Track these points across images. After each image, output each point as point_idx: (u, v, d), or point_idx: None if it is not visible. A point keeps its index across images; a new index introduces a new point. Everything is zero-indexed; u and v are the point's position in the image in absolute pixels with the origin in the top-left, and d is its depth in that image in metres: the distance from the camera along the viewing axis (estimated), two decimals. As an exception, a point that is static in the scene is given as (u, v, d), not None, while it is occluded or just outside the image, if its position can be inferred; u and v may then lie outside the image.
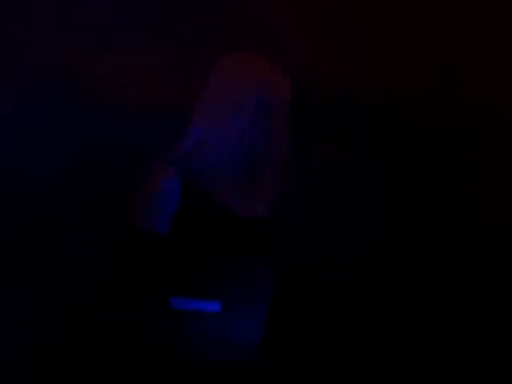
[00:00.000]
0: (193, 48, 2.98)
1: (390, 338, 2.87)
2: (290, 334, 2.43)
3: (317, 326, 2.67)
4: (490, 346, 2.90)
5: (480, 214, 3.03)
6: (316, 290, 2.87)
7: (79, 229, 2.49)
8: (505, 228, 3.01)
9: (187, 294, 1.95)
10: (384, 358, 2.83)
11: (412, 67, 3.12)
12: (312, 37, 3.09)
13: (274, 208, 2.39)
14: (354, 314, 2.91)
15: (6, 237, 2.56)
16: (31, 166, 2.82)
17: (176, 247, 1.98)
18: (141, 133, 2.92)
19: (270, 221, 2.28)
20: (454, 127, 3.09)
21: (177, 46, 3.01)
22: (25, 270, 2.40)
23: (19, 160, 2.82)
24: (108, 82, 2.99)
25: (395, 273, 3.02)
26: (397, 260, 3.03)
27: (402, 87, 3.11)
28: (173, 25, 3.02)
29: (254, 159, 2.21)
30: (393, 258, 3.03)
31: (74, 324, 1.91)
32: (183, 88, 2.73)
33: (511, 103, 3.07)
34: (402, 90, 3.12)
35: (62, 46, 2.96)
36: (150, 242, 1.95)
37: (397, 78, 3.11)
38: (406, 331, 2.91)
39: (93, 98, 2.96)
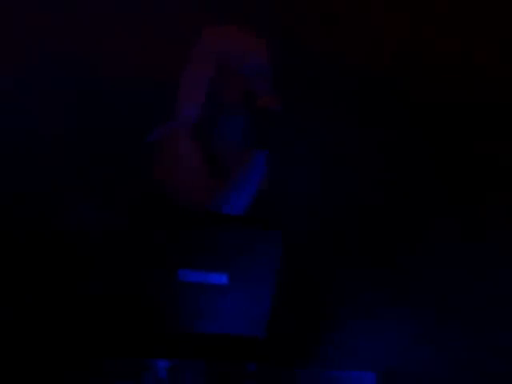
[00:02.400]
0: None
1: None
2: (297, 307, 2.41)
3: (324, 298, 2.66)
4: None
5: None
6: (323, 261, 2.86)
7: (84, 201, 2.48)
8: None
9: (195, 266, 1.92)
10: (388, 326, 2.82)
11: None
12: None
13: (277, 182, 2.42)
14: (355, 284, 2.89)
15: (7, 210, 2.54)
16: (31, 137, 2.79)
17: (183, 219, 1.96)
18: (140, 104, 2.90)
19: (276, 195, 2.32)
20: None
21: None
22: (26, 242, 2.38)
23: (19, 132, 2.79)
24: (106, 53, 2.96)
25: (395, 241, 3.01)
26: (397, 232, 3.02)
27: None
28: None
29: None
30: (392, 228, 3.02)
31: (81, 297, 1.88)
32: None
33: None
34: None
35: (60, 16, 2.93)
36: (164, 213, 1.93)
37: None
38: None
39: (93, 70, 2.93)
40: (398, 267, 2.95)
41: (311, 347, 2.18)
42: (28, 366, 1.80)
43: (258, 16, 2.93)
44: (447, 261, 2.96)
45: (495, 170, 3.03)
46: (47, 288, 2.03)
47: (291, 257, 2.17)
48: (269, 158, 2.41)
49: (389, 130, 3.04)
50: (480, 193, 3.00)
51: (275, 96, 2.40)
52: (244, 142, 2.44)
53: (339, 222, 2.97)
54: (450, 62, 3.08)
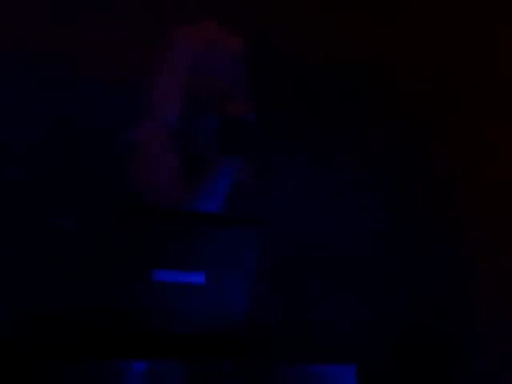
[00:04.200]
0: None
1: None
2: (276, 304, 2.41)
3: (301, 290, 2.67)
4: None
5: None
6: (301, 259, 2.86)
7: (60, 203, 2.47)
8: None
9: (171, 265, 1.91)
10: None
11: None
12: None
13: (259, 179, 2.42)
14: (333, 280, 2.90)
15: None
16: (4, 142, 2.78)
17: (159, 219, 1.95)
18: (111, 105, 2.89)
19: (256, 193, 2.33)
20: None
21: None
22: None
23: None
24: (78, 54, 2.94)
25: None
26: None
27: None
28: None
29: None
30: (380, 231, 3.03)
31: (58, 298, 1.87)
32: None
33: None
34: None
35: (33, 17, 2.91)
36: (138, 213, 1.92)
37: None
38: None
39: (64, 71, 2.91)
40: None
41: (290, 343, 2.17)
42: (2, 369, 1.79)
43: (233, 17, 2.93)
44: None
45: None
46: (20, 290, 2.01)
47: (268, 254, 2.17)
48: (241, 162, 2.41)
49: (359, 130, 3.05)
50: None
51: (249, 102, 2.40)
52: (217, 144, 2.43)
53: (315, 222, 2.98)
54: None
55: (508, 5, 2.91)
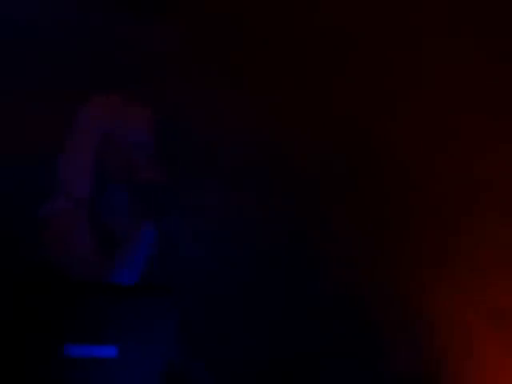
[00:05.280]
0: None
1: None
2: (192, 375, 2.39)
3: (221, 365, 2.65)
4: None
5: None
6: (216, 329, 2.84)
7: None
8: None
9: (82, 340, 1.87)
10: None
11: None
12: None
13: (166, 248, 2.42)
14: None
15: None
16: None
17: (70, 291, 1.92)
18: (23, 182, 2.87)
19: (165, 261, 2.33)
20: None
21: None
22: None
23: None
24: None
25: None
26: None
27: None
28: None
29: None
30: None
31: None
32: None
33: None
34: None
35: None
36: (46, 285, 1.89)
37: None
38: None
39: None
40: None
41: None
42: None
43: (141, 87, 2.95)
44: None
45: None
46: None
47: (187, 321, 2.16)
48: (155, 226, 2.42)
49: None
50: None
51: (159, 168, 2.42)
52: (131, 213, 2.44)
53: (234, 282, 2.98)
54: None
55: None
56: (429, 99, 3.08)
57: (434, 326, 3.01)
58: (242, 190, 3.10)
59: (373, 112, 3.10)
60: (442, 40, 3.07)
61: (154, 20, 3.07)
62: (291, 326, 3.07)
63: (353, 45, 3.13)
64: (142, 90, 2.74)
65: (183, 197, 2.69)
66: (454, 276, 3.02)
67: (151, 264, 2.45)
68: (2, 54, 2.96)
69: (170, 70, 3.07)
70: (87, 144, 2.44)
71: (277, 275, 3.10)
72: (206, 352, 2.64)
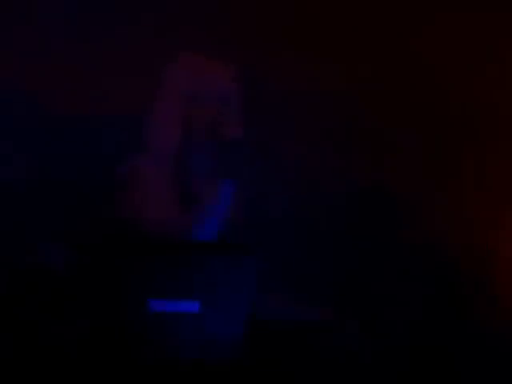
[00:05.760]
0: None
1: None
2: (272, 330, 2.42)
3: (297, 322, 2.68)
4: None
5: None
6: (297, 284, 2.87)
7: (52, 238, 2.50)
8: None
9: (166, 295, 1.93)
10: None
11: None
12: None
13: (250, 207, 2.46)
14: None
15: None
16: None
17: (154, 249, 1.97)
18: (109, 140, 2.91)
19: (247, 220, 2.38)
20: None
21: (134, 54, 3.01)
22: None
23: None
24: (67, 90, 2.97)
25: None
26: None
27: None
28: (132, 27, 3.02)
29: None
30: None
31: (55, 333, 1.89)
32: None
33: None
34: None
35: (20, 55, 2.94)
36: (131, 245, 1.94)
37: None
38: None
39: (54, 109, 2.94)
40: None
41: (287, 370, 2.19)
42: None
43: (223, 45, 2.96)
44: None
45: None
46: (23, 326, 2.03)
47: (266, 280, 2.19)
48: (234, 185, 2.46)
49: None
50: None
51: (240, 125, 2.45)
52: (211, 171, 2.48)
53: (313, 245, 3.00)
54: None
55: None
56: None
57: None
58: (320, 139, 3.11)
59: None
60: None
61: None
62: (370, 273, 3.07)
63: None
64: (226, 48, 2.76)
65: (262, 151, 2.72)
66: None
67: (231, 220, 2.49)
68: (89, 16, 3.00)
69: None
70: (173, 102, 2.48)
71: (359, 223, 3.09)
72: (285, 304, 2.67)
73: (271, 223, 2.89)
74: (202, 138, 2.47)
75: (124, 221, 2.39)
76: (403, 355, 2.69)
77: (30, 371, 1.91)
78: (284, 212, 3.01)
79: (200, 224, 2.44)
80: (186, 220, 2.44)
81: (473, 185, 3.09)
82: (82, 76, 2.96)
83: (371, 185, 3.14)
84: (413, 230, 3.08)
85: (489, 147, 3.09)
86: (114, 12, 3.00)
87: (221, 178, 2.47)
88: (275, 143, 3.03)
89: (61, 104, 2.96)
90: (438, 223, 3.10)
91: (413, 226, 3.09)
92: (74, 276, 1.92)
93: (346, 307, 2.73)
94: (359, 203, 3.11)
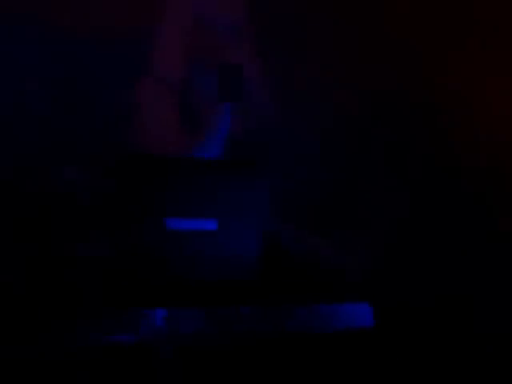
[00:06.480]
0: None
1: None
2: (289, 251, 2.44)
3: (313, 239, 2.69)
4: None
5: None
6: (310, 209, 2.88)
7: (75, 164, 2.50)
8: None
9: (183, 213, 1.94)
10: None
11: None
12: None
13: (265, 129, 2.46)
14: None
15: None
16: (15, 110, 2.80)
17: (170, 167, 1.98)
18: (112, 63, 2.90)
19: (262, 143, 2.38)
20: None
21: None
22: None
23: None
24: (77, 13, 2.94)
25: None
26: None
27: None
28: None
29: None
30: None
31: (75, 252, 1.91)
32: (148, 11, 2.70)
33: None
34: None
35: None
36: (146, 162, 1.94)
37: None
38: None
39: (63, 31, 2.92)
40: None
41: (303, 286, 2.21)
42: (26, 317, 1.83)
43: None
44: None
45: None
46: (42, 248, 2.05)
47: (278, 201, 2.20)
48: (234, 108, 2.47)
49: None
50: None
51: (247, 50, 2.44)
52: (213, 94, 2.49)
53: (324, 170, 3.00)
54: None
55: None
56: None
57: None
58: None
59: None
60: None
61: None
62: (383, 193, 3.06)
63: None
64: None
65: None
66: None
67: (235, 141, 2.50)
68: None
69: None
70: (178, 26, 2.46)
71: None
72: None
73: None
74: (204, 62, 2.46)
75: (130, 144, 2.40)
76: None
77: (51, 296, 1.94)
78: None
79: (202, 146, 2.45)
80: (188, 142, 2.45)
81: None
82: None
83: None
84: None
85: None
86: None
87: (226, 100, 2.46)
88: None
89: (61, 24, 2.93)
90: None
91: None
92: (92, 197, 1.93)
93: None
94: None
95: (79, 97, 2.85)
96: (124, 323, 1.86)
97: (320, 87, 3.04)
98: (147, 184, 1.92)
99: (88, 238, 1.97)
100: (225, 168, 2.04)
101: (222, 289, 1.99)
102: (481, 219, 2.95)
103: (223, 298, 1.99)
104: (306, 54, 3.04)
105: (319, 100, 3.02)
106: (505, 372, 2.71)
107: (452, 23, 3.04)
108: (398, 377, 2.51)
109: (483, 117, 3.02)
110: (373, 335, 2.26)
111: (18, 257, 1.97)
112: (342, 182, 2.99)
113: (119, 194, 1.90)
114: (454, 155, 3.02)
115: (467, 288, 2.84)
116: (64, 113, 2.80)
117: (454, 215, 2.96)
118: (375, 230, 2.86)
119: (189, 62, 2.47)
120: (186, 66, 2.47)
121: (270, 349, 2.13)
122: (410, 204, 2.98)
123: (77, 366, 1.91)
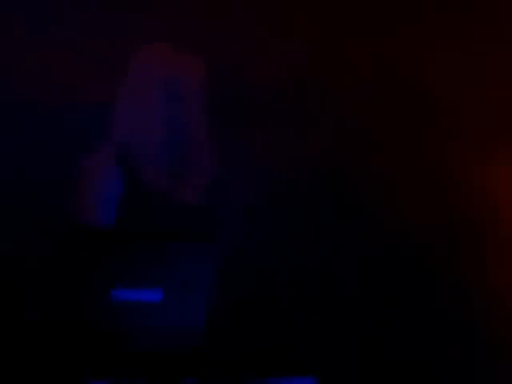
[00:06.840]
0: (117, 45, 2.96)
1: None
2: (233, 317, 2.43)
3: (258, 306, 2.68)
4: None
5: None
6: (257, 273, 2.87)
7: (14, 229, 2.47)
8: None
9: (129, 284, 1.92)
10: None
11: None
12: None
13: (210, 195, 2.43)
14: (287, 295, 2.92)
15: None
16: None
17: (116, 237, 1.96)
18: (69, 130, 2.89)
19: (208, 208, 2.34)
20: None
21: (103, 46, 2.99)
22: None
23: None
24: (37, 80, 2.95)
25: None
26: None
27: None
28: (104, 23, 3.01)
29: (178, 146, 2.32)
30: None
31: (16, 323, 1.88)
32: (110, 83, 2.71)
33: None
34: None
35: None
36: (92, 235, 1.92)
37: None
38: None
39: (23, 97, 2.92)
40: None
41: (250, 357, 2.19)
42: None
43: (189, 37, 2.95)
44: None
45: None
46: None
47: (226, 268, 2.19)
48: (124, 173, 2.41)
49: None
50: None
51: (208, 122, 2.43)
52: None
53: (271, 233, 3.01)
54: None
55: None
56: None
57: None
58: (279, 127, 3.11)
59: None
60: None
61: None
62: (335, 260, 3.08)
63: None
64: (197, 39, 2.75)
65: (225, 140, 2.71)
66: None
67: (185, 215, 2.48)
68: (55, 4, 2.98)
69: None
70: (139, 92, 2.45)
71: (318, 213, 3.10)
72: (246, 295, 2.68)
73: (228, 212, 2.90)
74: (160, 139, 2.42)
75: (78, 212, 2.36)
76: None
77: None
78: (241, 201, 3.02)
79: (95, 211, 2.37)
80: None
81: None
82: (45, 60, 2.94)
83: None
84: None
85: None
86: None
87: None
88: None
89: (21, 91, 2.94)
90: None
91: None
92: (37, 266, 1.90)
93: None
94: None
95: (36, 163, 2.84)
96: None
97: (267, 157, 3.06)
98: (92, 256, 1.90)
99: (31, 305, 1.94)
100: (171, 238, 2.03)
101: (167, 360, 1.97)
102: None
103: (168, 369, 1.96)
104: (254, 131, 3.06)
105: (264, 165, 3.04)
106: None
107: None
108: None
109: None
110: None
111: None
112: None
113: (64, 267, 1.88)
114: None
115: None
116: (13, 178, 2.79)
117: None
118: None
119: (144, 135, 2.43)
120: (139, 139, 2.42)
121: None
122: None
123: None
